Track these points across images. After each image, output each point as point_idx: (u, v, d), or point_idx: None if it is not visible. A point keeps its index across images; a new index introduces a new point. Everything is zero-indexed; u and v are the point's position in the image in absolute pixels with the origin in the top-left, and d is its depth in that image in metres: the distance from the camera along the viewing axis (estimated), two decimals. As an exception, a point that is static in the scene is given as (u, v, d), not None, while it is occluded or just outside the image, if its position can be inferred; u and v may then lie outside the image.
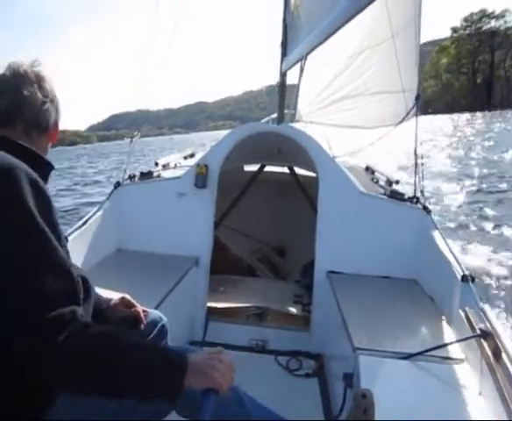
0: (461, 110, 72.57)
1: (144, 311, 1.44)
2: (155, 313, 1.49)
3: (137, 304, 1.43)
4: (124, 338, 0.95)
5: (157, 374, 0.90)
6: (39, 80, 1.08)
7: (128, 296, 1.44)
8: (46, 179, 1.05)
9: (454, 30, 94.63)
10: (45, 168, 1.07)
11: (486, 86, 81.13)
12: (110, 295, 1.44)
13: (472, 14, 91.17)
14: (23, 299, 0.81)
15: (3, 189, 0.86)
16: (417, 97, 2.92)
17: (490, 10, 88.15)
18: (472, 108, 72.18)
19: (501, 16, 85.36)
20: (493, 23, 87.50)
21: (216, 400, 0.94)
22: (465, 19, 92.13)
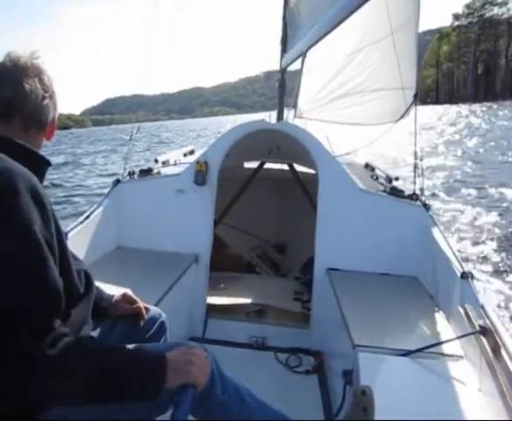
0: (462, 100, 71.04)
1: (145, 308, 1.44)
2: (155, 310, 1.50)
3: (138, 300, 1.43)
4: (101, 345, 0.95)
5: (137, 378, 0.91)
6: (39, 73, 1.05)
7: (130, 292, 1.44)
8: (42, 176, 1.04)
9: (456, 16, 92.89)
10: (42, 166, 1.05)
11: (487, 76, 79.22)
12: (112, 292, 1.45)
13: (474, 0, 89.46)
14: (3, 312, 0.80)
15: (0, 195, 0.84)
16: (416, 95, 2.94)
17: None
18: (473, 98, 70.69)
19: (505, 3, 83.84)
20: (495, 10, 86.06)
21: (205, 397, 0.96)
22: (468, 6, 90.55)
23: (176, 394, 0.95)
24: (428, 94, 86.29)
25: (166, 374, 0.92)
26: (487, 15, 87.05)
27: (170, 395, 0.97)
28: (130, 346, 1.00)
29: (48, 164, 1.08)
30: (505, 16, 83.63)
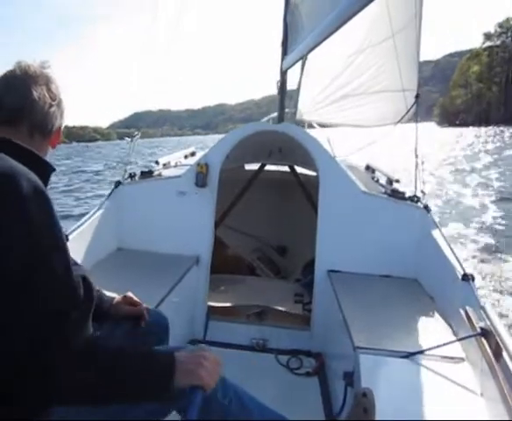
0: (494, 122, 67.50)
1: (146, 309, 1.44)
2: (156, 312, 1.50)
3: (140, 302, 1.43)
4: (110, 345, 0.95)
5: (146, 378, 0.91)
6: (47, 81, 1.06)
7: (131, 294, 1.44)
8: (46, 181, 1.03)
9: (487, 36, 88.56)
10: (46, 171, 1.05)
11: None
12: (113, 294, 1.45)
13: (508, 19, 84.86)
14: (30, 311, 0.80)
15: (3, 195, 0.84)
16: (417, 96, 2.94)
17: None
18: (506, 120, 67.50)
19: (540, 22, 78.33)
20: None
21: (206, 398, 0.95)
22: (500, 25, 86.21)
23: (185, 396, 0.95)
24: (457, 115, 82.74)
25: (174, 374, 0.92)
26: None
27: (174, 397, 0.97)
28: (138, 347, 1.00)
29: (52, 169, 1.08)
30: (540, 35, 78.83)
